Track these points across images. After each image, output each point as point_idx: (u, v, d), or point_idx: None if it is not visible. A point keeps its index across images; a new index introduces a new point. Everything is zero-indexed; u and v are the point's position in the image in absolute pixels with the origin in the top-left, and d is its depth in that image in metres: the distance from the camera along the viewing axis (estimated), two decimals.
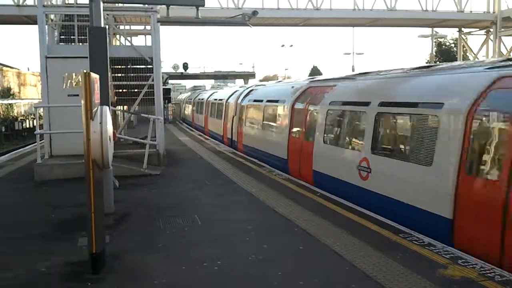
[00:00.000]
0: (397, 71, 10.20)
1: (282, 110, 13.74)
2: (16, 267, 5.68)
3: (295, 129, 12.59)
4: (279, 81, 23.68)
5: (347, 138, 10.11)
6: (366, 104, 9.16)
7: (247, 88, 20.23)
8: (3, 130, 31.88)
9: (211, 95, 28.19)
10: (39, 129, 12.17)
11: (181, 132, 26.69)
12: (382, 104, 8.69)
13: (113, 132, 5.78)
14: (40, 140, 11.94)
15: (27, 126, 35.24)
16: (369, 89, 10.11)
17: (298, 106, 12.64)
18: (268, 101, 15.53)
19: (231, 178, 11.21)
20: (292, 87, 14.12)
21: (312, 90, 12.38)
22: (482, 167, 6.37)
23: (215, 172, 12.23)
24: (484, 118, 6.44)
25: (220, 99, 23.60)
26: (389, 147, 8.70)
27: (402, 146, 8.49)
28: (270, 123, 14.86)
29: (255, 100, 17.12)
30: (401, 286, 4.90)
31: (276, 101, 14.52)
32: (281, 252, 6.08)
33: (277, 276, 5.27)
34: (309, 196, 9.17)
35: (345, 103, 10.23)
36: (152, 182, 10.96)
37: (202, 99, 30.23)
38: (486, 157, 6.33)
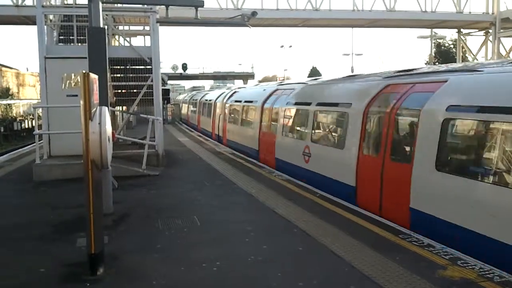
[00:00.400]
0: (333, 78, 13.60)
1: (254, 109, 16.42)
2: (15, 268, 5.67)
3: (263, 125, 15.25)
4: (256, 85, 28.86)
5: (296, 131, 12.73)
6: (309, 104, 11.99)
7: (232, 90, 23.05)
8: (2, 130, 31.84)
9: (203, 96, 31.23)
10: (38, 130, 12.15)
11: (180, 133, 26.68)
12: (318, 104, 11.57)
13: (112, 133, 5.77)
14: (39, 141, 11.93)
15: (26, 126, 35.19)
16: (311, 92, 12.93)
17: (266, 105, 15.27)
18: (245, 101, 18.17)
19: (231, 179, 11.20)
20: (264, 90, 16.96)
21: (278, 92, 15.04)
22: (371, 148, 8.94)
23: (214, 173, 12.22)
24: (374, 113, 8.95)
25: (210, 100, 26.60)
26: (321, 136, 11.45)
27: (329, 136, 11.26)
28: (246, 120, 17.70)
29: (235, 101, 19.92)
30: (401, 287, 4.89)
31: (251, 102, 17.19)
32: (281, 253, 6.07)
33: (276, 277, 5.26)
34: (308, 197, 9.17)
35: (296, 104, 13.02)
36: (151, 182, 10.95)
37: (196, 99, 33.25)
38: (373, 141, 8.92)
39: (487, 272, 5.21)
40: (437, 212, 6.77)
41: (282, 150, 13.05)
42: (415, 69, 9.56)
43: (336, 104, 10.64)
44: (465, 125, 6.90)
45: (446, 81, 7.48)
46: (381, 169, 8.12)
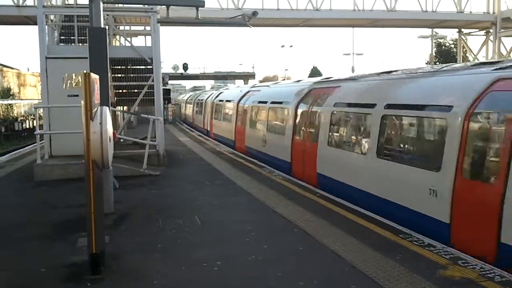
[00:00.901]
0: (284, 83, 19.06)
1: (232, 107, 20.12)
2: (16, 268, 5.68)
3: (238, 120, 18.59)
4: (238, 86, 31.35)
5: (258, 124, 16.22)
6: (265, 102, 15.53)
7: (219, 91, 27.14)
8: (3, 130, 31.86)
9: (197, 96, 35.48)
10: (39, 130, 12.17)
11: (181, 133, 26.69)
12: (272, 102, 15.02)
13: (113, 133, 5.78)
14: (40, 141, 11.94)
15: (27, 126, 35.20)
16: (270, 93, 16.61)
17: (241, 104, 18.61)
18: (226, 100, 21.96)
19: (231, 179, 11.21)
20: (240, 91, 20.55)
21: (250, 93, 18.33)
22: (298, 134, 12.50)
23: (215, 173, 12.23)
24: (299, 110, 12.61)
25: (201, 99, 30.68)
26: (274, 127, 14.64)
27: (277, 126, 14.43)
28: (226, 116, 21.42)
29: (220, 100, 23.52)
30: (401, 286, 4.90)
31: (230, 101, 20.86)
32: (281, 253, 6.08)
33: (276, 277, 5.27)
34: (309, 197, 9.18)
35: (260, 102, 16.23)
36: (152, 182, 10.96)
37: (191, 100, 37.38)
38: (298, 129, 12.50)
39: (487, 272, 5.21)
40: (330, 174, 10.24)
41: (252, 139, 16.47)
42: (331, 77, 12.96)
43: (281, 103, 14.22)
44: (340, 115, 10.41)
45: (339, 86, 11.04)
46: (303, 148, 11.81)
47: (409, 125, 8.37)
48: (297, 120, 12.59)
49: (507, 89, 6.16)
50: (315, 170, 10.81)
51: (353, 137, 9.96)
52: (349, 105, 10.11)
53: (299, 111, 12.55)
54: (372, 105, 8.87)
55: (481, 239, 6.00)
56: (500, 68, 6.75)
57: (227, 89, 29.65)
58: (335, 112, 10.49)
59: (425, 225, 6.86)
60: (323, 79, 13.80)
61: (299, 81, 16.32)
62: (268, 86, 18.53)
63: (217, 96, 25.19)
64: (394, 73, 10.02)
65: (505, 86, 6.20)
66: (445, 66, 9.40)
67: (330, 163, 10.31)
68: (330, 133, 10.56)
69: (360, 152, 9.31)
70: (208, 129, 25.83)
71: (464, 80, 7.40)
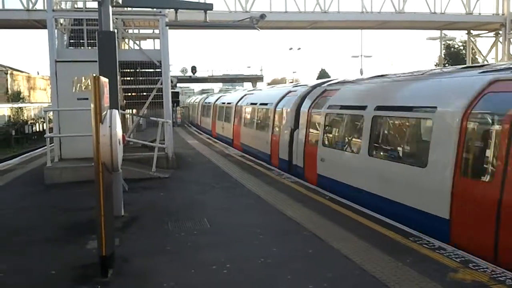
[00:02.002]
0: (271, 87, 23.32)
1: (230, 108, 23.23)
2: (26, 270, 5.71)
3: (236, 119, 21.26)
4: (236, 91, 35.62)
5: (249, 121, 18.89)
6: (255, 104, 18.53)
7: (220, 95, 30.88)
8: (14, 133, 32.11)
9: (202, 99, 39.22)
10: (49, 133, 12.24)
11: (189, 136, 26.76)
12: (250, 104, 18.93)
13: (123, 136, 5.81)
14: (50, 144, 12.02)
15: (37, 129, 35.48)
16: (253, 96, 19.96)
17: (239, 105, 21.23)
18: (228, 103, 24.88)
19: (240, 181, 11.22)
20: (239, 94, 24.25)
21: (247, 97, 20.90)
22: (276, 130, 15.05)
23: (223, 175, 12.24)
24: (279, 109, 15.16)
25: (196, 102, 37.32)
26: (254, 124, 17.95)
27: (257, 122, 17.52)
28: (224, 117, 24.30)
29: (222, 102, 26.06)
30: None
31: (230, 103, 23.68)
32: (290, 256, 6.06)
33: (286, 280, 5.25)
34: (318, 199, 9.15)
35: (251, 104, 19.01)
36: (161, 185, 10.99)
37: (197, 102, 40.53)
38: (277, 127, 15.07)
39: (499, 275, 5.16)
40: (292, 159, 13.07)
41: (244, 135, 19.26)
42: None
43: (266, 104, 16.65)
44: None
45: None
46: (231, 128, 17.74)
47: (261, 111, 16.25)
48: (279, 120, 14.79)
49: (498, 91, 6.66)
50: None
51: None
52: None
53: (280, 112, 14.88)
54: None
55: (276, 156, 14.33)
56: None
57: (229, 92, 32.77)
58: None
59: (263, 157, 13.65)
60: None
61: (272, 87, 19.72)
62: (261, 89, 22.45)
63: (218, 99, 27.53)
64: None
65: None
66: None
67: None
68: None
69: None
70: (211, 129, 28.57)
71: (280, 91, 15.17)
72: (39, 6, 27.44)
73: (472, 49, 37.94)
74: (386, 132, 9.31)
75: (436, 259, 5.73)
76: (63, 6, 15.31)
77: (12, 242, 6.86)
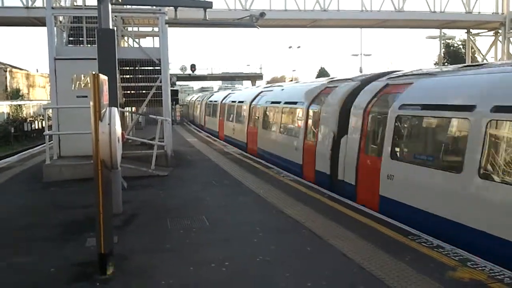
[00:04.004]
0: (246, 88, 28.63)
1: (217, 105, 26.69)
2: (25, 267, 5.72)
3: (251, 121, 19.27)
4: (248, 88, 34.15)
5: (261, 123, 17.10)
6: (242, 102, 20.57)
7: (227, 93, 29.90)
8: (13, 131, 32.07)
9: (205, 97, 39.39)
10: (48, 130, 12.24)
11: (188, 134, 26.75)
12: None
13: (122, 133, 5.80)
14: (49, 141, 12.01)
15: (36, 127, 35.43)
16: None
17: (255, 104, 18.86)
18: (214, 101, 28.56)
19: (239, 179, 11.22)
20: (226, 93, 28.22)
21: (264, 94, 18.59)
22: (252, 123, 17.87)
23: (222, 173, 12.25)
24: (255, 107, 18.45)
25: (199, 100, 39.07)
26: (232, 117, 22.12)
27: (238, 117, 20.43)
28: (235, 117, 22.96)
29: (232, 101, 24.27)
30: None
31: (242, 102, 21.67)
32: (289, 254, 6.07)
33: (284, 278, 5.26)
34: (317, 198, 9.16)
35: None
36: (160, 183, 10.99)
37: (200, 101, 40.86)
38: (253, 121, 18.34)
39: (497, 274, 5.17)
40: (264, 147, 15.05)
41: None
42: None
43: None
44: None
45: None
46: (245, 130, 18.46)
47: (240, 108, 19.52)
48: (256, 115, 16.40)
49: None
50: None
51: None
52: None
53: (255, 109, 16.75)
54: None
55: (254, 146, 16.89)
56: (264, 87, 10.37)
57: (216, 92, 36.64)
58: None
59: (241, 145, 15.92)
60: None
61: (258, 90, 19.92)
62: (240, 90, 25.46)
63: (209, 97, 32.04)
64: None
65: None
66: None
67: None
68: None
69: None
70: (203, 124, 32.77)
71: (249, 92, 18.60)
72: (38, 3, 27.45)
73: (472, 48, 37.95)
74: None
75: (435, 257, 5.74)
76: (62, 3, 15.28)
77: (11, 240, 6.86)
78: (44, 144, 12.27)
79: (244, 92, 24.85)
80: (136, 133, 17.64)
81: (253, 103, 18.76)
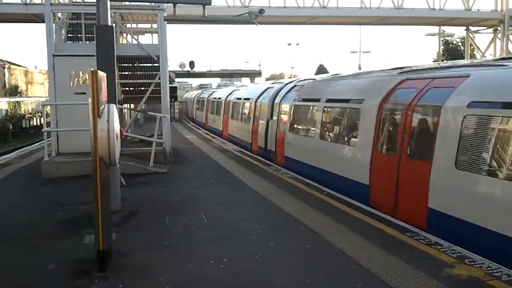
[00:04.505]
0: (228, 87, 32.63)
1: (221, 102, 26.03)
2: (23, 265, 5.72)
3: (226, 112, 22.80)
4: (227, 86, 39.44)
5: (220, 112, 23.64)
6: (240, 98, 20.74)
7: (233, 89, 30.51)
8: (11, 127, 32.05)
9: (194, 95, 43.75)
10: (46, 127, 12.22)
11: (187, 131, 26.74)
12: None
13: (120, 130, 5.80)
14: (48, 138, 11.99)
15: (35, 124, 35.42)
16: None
17: (210, 98, 27.62)
18: (214, 98, 28.83)
19: (238, 177, 11.22)
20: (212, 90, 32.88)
21: (212, 93, 26.73)
22: (234, 116, 21.41)
23: (221, 171, 12.25)
24: (229, 102, 22.98)
25: (192, 97, 42.76)
26: (213, 113, 27.24)
27: (241, 114, 19.83)
28: (216, 109, 26.81)
29: (200, 97, 32.01)
30: (408, 285, 4.89)
31: (217, 98, 27.19)
32: (288, 251, 6.08)
33: (283, 275, 5.27)
34: (316, 195, 9.16)
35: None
36: (158, 180, 10.99)
37: (192, 97, 43.98)
38: (234, 114, 21.59)
39: (494, 271, 5.19)
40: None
41: (212, 121, 24.49)
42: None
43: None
44: (215, 101, 22.96)
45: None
46: (226, 123, 21.56)
47: (240, 105, 20.27)
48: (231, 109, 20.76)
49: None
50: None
51: None
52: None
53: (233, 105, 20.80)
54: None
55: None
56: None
57: (210, 89, 39.93)
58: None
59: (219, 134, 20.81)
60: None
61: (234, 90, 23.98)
62: (238, 89, 25.04)
63: (200, 94, 37.88)
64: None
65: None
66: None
67: None
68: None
69: None
70: (195, 118, 37.76)
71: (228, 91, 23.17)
72: (37, 0, 27.37)
73: (471, 45, 37.97)
74: None
75: (432, 254, 5.75)
76: (61, 0, 15.26)
77: (9, 237, 6.85)
78: (43, 141, 12.24)
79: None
80: (134, 130, 17.63)
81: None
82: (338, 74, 14.53)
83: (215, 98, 28.34)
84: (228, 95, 24.15)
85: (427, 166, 7.11)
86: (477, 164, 6.40)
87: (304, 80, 15.53)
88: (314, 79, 15.55)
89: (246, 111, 19.07)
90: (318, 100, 11.92)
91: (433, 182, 7.01)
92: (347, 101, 10.47)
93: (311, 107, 12.36)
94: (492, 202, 6.11)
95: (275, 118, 14.93)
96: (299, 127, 13.12)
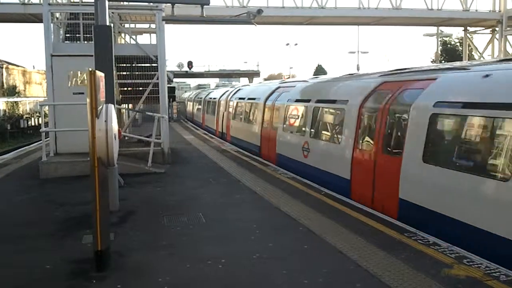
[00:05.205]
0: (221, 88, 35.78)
1: (220, 103, 26.25)
2: (21, 264, 5.71)
3: (227, 112, 22.80)
4: (214, 88, 42.12)
5: (214, 112, 25.59)
6: (244, 98, 19.89)
7: (198, 92, 38.08)
8: (9, 128, 32.00)
9: (191, 95, 46.64)
10: (44, 127, 12.20)
11: (186, 131, 26.72)
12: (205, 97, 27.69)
13: (118, 130, 5.79)
14: (46, 138, 11.98)
15: (33, 124, 35.38)
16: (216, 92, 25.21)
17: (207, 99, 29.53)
18: (210, 98, 29.53)
19: (236, 177, 11.21)
20: (223, 91, 29.20)
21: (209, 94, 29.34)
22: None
23: (219, 171, 12.24)
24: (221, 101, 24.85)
25: (191, 97, 44.71)
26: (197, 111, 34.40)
27: (244, 113, 19.38)
28: (213, 108, 27.24)
29: (197, 97, 33.73)
30: (406, 285, 4.89)
31: (213, 98, 28.00)
32: (286, 251, 6.07)
33: (281, 275, 5.27)
34: (314, 195, 9.17)
35: (205, 97, 27.30)
36: (156, 180, 10.97)
37: (191, 97, 45.44)
38: (222, 113, 24.10)
39: (493, 271, 5.19)
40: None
41: (206, 119, 26.93)
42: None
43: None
44: (210, 101, 27.13)
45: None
46: (221, 123, 23.31)
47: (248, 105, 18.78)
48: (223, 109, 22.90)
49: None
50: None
51: None
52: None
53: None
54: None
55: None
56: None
57: (209, 90, 37.70)
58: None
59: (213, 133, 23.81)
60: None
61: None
62: (240, 89, 23.56)
63: (197, 95, 40.43)
64: None
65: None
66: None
67: None
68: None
69: None
70: (190, 116, 39.51)
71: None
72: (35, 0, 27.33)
73: (469, 45, 37.99)
74: None
75: (431, 254, 5.76)
76: (59, 0, 15.24)
77: (7, 237, 6.84)
78: (41, 141, 12.22)
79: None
80: (133, 130, 17.61)
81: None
82: (319, 77, 16.47)
83: (211, 98, 29.04)
84: (221, 96, 25.45)
85: (398, 161, 7.80)
86: (441, 158, 7.26)
87: (288, 82, 16.86)
88: (295, 82, 15.65)
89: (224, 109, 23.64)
90: (309, 101, 12.35)
91: (403, 174, 7.67)
92: (334, 101, 11.12)
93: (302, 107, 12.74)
94: (454, 193, 6.67)
95: (266, 117, 15.63)
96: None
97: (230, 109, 21.23)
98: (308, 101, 12.29)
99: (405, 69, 9.97)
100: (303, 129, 12.32)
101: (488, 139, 6.43)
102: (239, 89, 22.91)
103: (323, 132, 11.47)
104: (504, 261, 5.44)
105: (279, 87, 15.75)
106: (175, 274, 5.32)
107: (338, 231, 6.78)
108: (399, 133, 8.23)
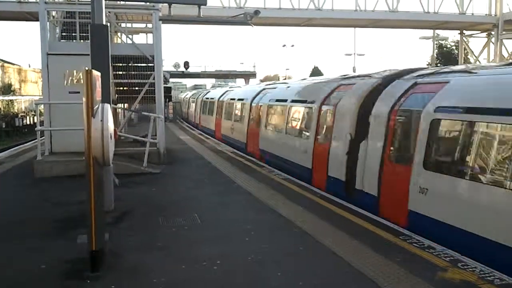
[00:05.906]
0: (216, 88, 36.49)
1: (195, 103, 32.39)
2: (15, 264, 5.68)
3: (220, 112, 23.55)
4: (210, 89, 41.50)
5: (212, 111, 25.27)
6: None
7: (194, 93, 37.76)
8: (4, 126, 31.84)
9: (189, 95, 45.61)
10: (40, 126, 12.15)
11: (181, 131, 26.69)
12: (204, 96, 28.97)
13: (114, 130, 5.77)
14: (41, 137, 11.93)
15: (28, 122, 35.18)
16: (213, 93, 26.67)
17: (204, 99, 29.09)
18: (206, 98, 29.54)
19: (231, 178, 11.20)
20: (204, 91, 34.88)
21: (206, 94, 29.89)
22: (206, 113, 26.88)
23: (215, 171, 12.23)
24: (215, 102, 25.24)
25: (186, 98, 44.96)
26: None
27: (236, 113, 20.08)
28: (204, 109, 28.77)
29: (192, 98, 34.58)
30: None
31: (194, 98, 32.90)
32: (281, 252, 6.07)
33: (276, 277, 5.26)
34: (309, 197, 9.17)
35: (207, 98, 27.95)
36: (152, 180, 10.95)
37: (187, 97, 45.27)
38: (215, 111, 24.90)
39: (487, 275, 5.20)
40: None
41: (203, 120, 27.12)
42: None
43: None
44: (208, 101, 27.55)
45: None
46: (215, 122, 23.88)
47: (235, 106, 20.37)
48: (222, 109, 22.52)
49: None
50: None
51: None
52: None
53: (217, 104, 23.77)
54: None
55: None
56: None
57: (202, 91, 42.53)
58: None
59: (211, 134, 22.42)
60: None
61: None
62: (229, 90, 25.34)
63: (193, 95, 39.91)
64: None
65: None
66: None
67: None
68: None
69: None
70: (186, 117, 39.78)
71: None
72: None
73: (464, 49, 38.16)
74: None
75: (426, 258, 5.77)
76: None
77: (1, 236, 6.81)
78: (36, 140, 12.16)
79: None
80: (128, 130, 17.56)
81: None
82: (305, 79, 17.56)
83: (207, 98, 29.51)
84: (215, 96, 27.18)
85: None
86: (222, 116, 14.33)
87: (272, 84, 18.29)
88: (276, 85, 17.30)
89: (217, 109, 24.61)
90: (285, 101, 13.97)
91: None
92: (305, 101, 12.65)
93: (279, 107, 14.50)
94: (225, 127, 12.22)
95: (252, 116, 17.12)
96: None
97: (220, 109, 23.27)
98: (286, 101, 13.90)
99: (362, 74, 11.74)
100: (281, 126, 13.96)
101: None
102: (230, 90, 24.48)
103: (295, 128, 12.96)
104: (503, 268, 5.37)
105: (264, 89, 17.46)
106: (170, 275, 5.31)
107: (333, 233, 6.78)
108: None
